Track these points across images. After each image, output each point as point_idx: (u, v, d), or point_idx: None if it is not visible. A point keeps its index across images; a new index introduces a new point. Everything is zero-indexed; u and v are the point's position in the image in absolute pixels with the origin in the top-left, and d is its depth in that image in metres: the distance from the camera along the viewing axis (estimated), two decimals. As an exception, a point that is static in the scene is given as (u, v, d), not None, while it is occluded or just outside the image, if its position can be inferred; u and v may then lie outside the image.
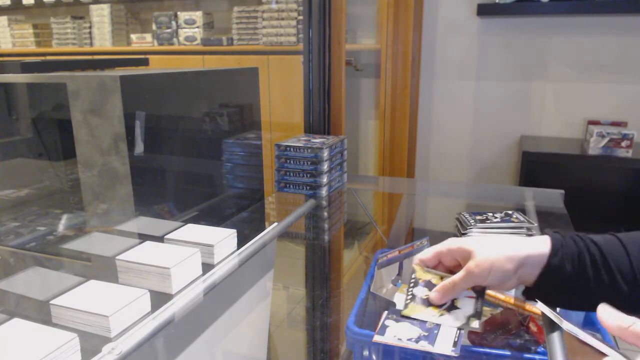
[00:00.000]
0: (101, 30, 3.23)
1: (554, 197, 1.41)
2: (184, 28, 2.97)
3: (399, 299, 0.72)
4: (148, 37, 3.11)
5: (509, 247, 0.63)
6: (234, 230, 0.88)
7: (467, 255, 0.65)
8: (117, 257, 0.74)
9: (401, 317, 0.66)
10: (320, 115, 1.57)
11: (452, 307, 0.65)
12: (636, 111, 2.27)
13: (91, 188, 1.01)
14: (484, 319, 0.71)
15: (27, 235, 1.15)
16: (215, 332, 0.78)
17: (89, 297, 0.64)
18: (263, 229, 1.05)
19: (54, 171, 1.32)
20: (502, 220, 1.16)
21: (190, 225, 0.89)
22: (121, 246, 0.77)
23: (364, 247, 1.39)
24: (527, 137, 2.43)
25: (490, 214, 1.20)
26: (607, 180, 2.35)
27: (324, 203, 1.34)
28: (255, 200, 1.41)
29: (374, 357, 0.70)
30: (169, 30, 2.99)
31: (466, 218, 1.18)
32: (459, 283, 0.64)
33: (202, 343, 0.74)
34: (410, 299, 0.67)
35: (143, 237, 0.83)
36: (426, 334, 0.64)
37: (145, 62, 1.61)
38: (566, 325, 0.53)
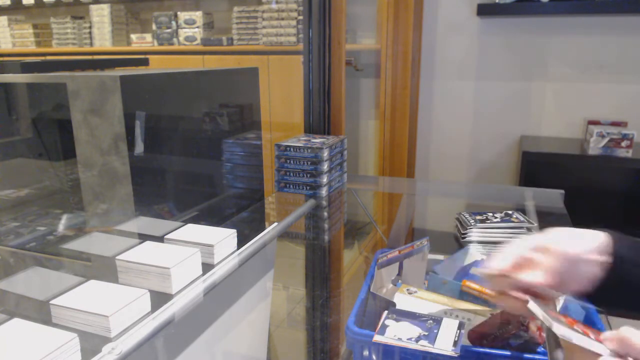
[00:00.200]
0: (101, 30, 3.23)
1: (554, 197, 1.41)
2: (184, 28, 2.97)
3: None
4: (148, 37, 3.10)
5: (584, 233, 0.60)
6: (234, 230, 0.88)
7: (546, 250, 0.60)
8: (117, 257, 0.74)
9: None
10: (320, 115, 1.57)
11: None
12: (636, 111, 2.27)
13: (91, 188, 1.01)
14: (484, 319, 0.71)
15: (27, 235, 1.15)
16: (215, 332, 0.78)
17: (89, 297, 0.64)
18: (263, 229, 1.05)
19: (54, 171, 1.32)
20: (502, 220, 1.16)
21: (190, 225, 0.89)
22: (121, 246, 0.77)
23: (364, 247, 1.39)
24: (527, 137, 2.43)
25: (490, 214, 1.20)
26: (607, 180, 2.35)
27: (324, 203, 1.34)
28: (255, 200, 1.41)
29: (374, 357, 0.70)
30: (169, 30, 2.99)
31: (466, 218, 1.19)
32: (554, 266, 0.58)
33: (202, 343, 0.74)
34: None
35: (143, 237, 0.83)
36: (426, 333, 0.64)
37: (145, 62, 1.61)
38: (556, 328, 0.51)
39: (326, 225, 1.28)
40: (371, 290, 0.80)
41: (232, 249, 0.88)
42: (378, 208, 1.69)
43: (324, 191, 1.34)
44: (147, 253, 0.75)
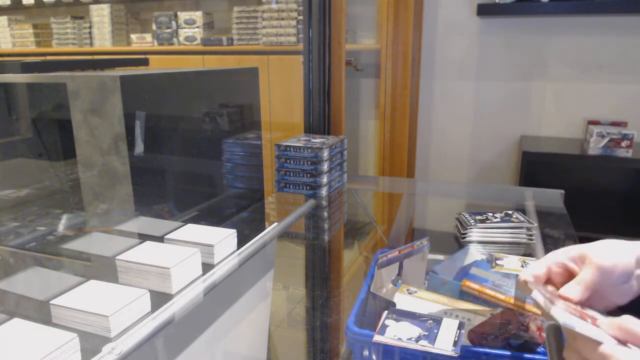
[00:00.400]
0: (101, 30, 3.23)
1: (554, 197, 1.41)
2: (184, 28, 2.97)
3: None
4: (148, 37, 3.11)
5: (624, 244, 0.59)
6: (234, 230, 0.88)
7: (583, 260, 0.59)
8: (117, 257, 0.74)
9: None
10: (320, 115, 1.58)
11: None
12: (636, 111, 2.27)
13: (91, 188, 1.01)
14: (484, 319, 0.71)
15: (27, 235, 1.15)
16: (215, 332, 0.78)
17: (89, 297, 0.64)
18: (263, 229, 1.05)
19: (54, 171, 1.32)
20: (502, 220, 1.16)
21: (190, 225, 0.89)
22: (121, 246, 0.77)
23: (364, 247, 1.39)
24: (527, 137, 2.43)
25: (490, 214, 1.20)
26: (607, 180, 2.35)
27: (324, 203, 1.34)
28: (255, 200, 1.41)
29: (374, 357, 0.70)
30: (169, 30, 2.99)
31: (466, 218, 1.19)
32: (590, 278, 0.57)
33: (202, 343, 0.74)
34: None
35: (143, 237, 0.83)
36: (426, 333, 0.64)
37: (145, 62, 1.62)
38: (558, 315, 0.50)
39: (326, 225, 1.29)
40: (371, 290, 0.80)
41: (232, 249, 0.88)
42: (378, 208, 1.69)
43: (324, 191, 1.34)
44: (147, 253, 0.75)
